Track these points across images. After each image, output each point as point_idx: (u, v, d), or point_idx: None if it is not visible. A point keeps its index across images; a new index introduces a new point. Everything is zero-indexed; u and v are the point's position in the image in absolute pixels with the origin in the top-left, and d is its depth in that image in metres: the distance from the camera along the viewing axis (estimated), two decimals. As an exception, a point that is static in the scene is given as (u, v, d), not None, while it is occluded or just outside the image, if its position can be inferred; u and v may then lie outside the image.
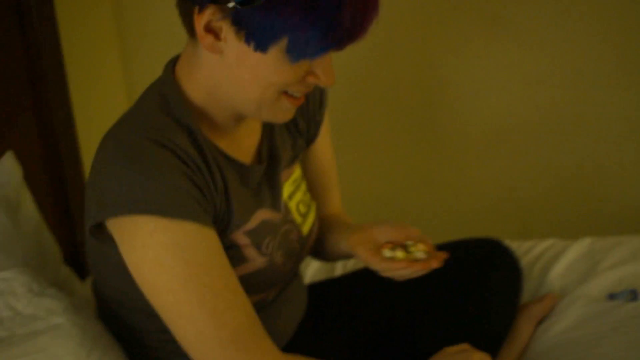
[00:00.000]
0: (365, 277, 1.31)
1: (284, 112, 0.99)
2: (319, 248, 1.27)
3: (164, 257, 0.87)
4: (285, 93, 0.96)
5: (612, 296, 1.34)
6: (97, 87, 1.87)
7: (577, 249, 1.53)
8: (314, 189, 1.25)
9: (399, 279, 1.08)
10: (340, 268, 1.61)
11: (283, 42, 0.87)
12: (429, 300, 1.26)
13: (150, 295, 0.91)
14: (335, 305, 1.31)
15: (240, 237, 1.02)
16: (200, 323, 0.89)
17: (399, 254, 1.06)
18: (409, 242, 1.09)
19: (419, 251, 1.07)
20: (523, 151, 1.98)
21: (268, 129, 1.12)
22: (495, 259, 1.26)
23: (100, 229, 0.95)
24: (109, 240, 0.94)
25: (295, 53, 0.88)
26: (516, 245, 1.59)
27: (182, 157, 0.91)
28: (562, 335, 1.27)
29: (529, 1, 1.81)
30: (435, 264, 1.04)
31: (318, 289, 1.35)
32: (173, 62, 1.02)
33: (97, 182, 0.91)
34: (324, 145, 1.24)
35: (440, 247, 1.27)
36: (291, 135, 1.16)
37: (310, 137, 1.21)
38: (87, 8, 1.81)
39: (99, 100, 1.86)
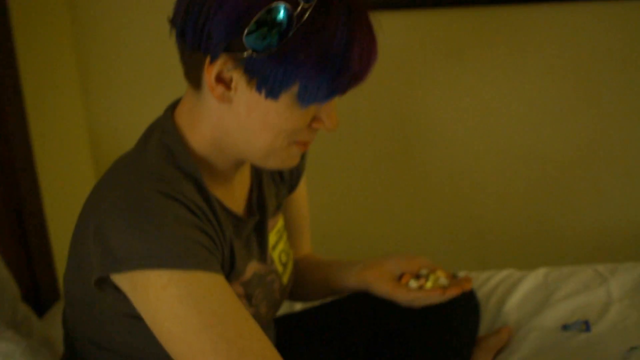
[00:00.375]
0: (327, 312, 1.33)
1: (291, 159, 1.00)
2: (298, 290, 1.29)
3: (178, 309, 0.86)
4: (295, 142, 0.97)
5: (565, 327, 1.37)
6: (57, 119, 1.85)
7: (533, 279, 1.57)
8: (290, 234, 1.28)
9: (417, 306, 1.15)
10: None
11: (294, 89, 0.89)
12: (390, 336, 1.27)
13: (166, 345, 0.90)
14: (298, 341, 1.32)
15: (236, 287, 1.03)
16: None
17: (428, 284, 1.13)
18: (423, 272, 1.16)
19: (441, 277, 1.14)
20: (481, 181, 2.02)
21: (257, 179, 1.14)
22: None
23: (101, 279, 0.93)
24: (112, 290, 0.93)
25: (306, 98, 0.90)
26: (474, 277, 1.62)
27: (192, 208, 0.91)
28: (518, 366, 1.30)
29: (493, 39, 1.85)
30: (467, 285, 1.13)
31: (280, 324, 1.36)
32: (171, 109, 1.03)
33: (104, 234, 0.88)
34: (302, 192, 1.28)
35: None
36: (275, 185, 1.19)
37: (292, 185, 1.24)
38: (47, 42, 1.80)
39: (58, 133, 1.85)
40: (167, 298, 0.86)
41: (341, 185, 2.03)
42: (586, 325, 1.36)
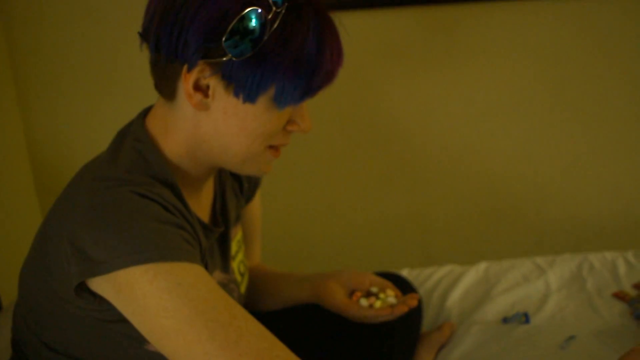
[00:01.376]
0: (277, 317, 1.33)
1: (265, 165, 1.02)
2: (252, 299, 1.31)
3: (168, 301, 0.84)
4: (269, 146, 0.99)
5: (505, 320, 1.40)
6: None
7: (474, 274, 1.60)
8: (244, 243, 1.29)
9: (369, 323, 1.19)
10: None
11: (271, 91, 0.91)
12: (333, 332, 1.28)
13: (159, 344, 0.88)
14: None
15: None
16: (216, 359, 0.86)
17: (377, 302, 1.17)
18: (373, 289, 1.21)
19: (390, 296, 1.19)
20: (425, 178, 2.04)
21: (221, 189, 1.15)
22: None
23: (78, 285, 0.91)
24: (87, 295, 0.91)
25: (283, 100, 0.92)
26: (417, 273, 1.65)
27: (169, 209, 0.91)
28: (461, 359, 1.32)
29: (481, 34, 1.87)
30: (414, 303, 1.17)
31: None
32: (142, 117, 1.02)
33: (81, 241, 0.87)
34: (257, 203, 1.31)
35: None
36: (236, 196, 1.20)
37: (249, 197, 1.26)
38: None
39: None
40: (156, 292, 0.85)
41: (287, 184, 2.03)
42: (526, 317, 1.39)
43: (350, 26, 0.97)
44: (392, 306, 1.17)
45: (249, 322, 0.88)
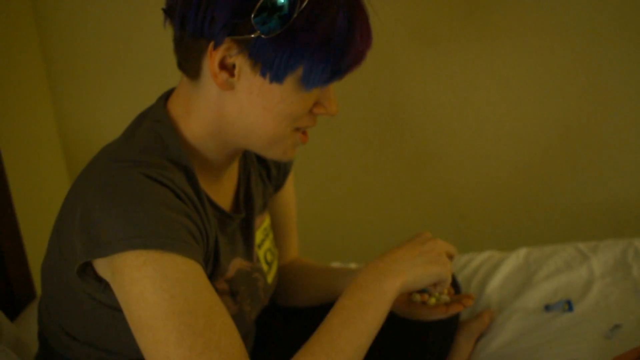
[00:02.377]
0: (313, 314, 1.30)
1: (292, 148, 1.00)
2: (289, 295, 1.29)
3: (150, 292, 0.83)
4: (296, 128, 0.97)
5: (548, 307, 1.36)
6: (25, 118, 1.81)
7: (514, 260, 1.55)
8: (276, 235, 1.26)
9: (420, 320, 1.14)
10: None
11: (298, 72, 0.89)
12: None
13: (134, 334, 0.87)
14: (278, 339, 1.30)
15: (221, 284, 1.01)
16: None
17: (432, 300, 1.12)
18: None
19: (443, 294, 1.13)
20: (459, 163, 2.00)
21: (245, 175, 1.12)
22: None
23: (83, 268, 0.91)
24: (93, 280, 0.91)
25: (311, 81, 0.90)
26: (455, 259, 1.61)
27: (180, 195, 0.90)
28: (501, 349, 1.28)
29: (468, 23, 1.83)
30: (469, 303, 1.11)
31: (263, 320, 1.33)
32: (165, 98, 1.01)
33: (91, 220, 0.86)
34: (289, 192, 1.27)
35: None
36: (263, 183, 1.17)
37: (279, 184, 1.23)
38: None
39: (27, 132, 1.81)
40: (141, 280, 0.83)
41: (321, 168, 2.01)
42: (569, 305, 1.34)
43: (380, 6, 0.94)
44: (446, 304, 1.11)
45: (223, 336, 0.86)
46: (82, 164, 0.98)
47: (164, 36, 0.98)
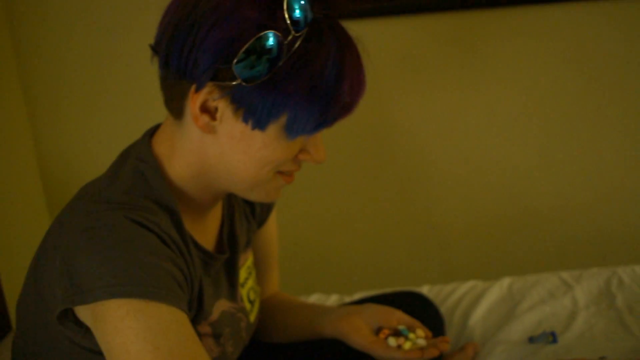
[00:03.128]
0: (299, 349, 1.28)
1: (275, 191, 0.97)
2: (267, 331, 1.26)
3: (132, 343, 0.79)
4: (279, 172, 0.94)
5: (532, 339, 1.33)
6: (3, 145, 1.78)
7: (497, 290, 1.53)
8: (258, 270, 1.23)
9: None
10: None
11: (282, 120, 0.86)
12: (355, 358, 1.22)
13: None
14: None
15: (204, 327, 0.98)
16: None
17: (407, 344, 1.09)
18: (401, 327, 1.13)
19: (420, 338, 1.11)
20: (443, 192, 1.98)
21: (229, 214, 1.10)
22: (418, 312, 1.24)
23: (64, 313, 0.87)
24: (73, 325, 0.88)
25: (294, 130, 0.86)
26: (438, 290, 1.59)
27: (165, 240, 0.87)
28: (486, 382, 1.26)
29: (499, 43, 1.83)
30: (445, 347, 1.09)
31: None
32: (149, 135, 0.98)
33: (72, 265, 0.83)
34: (272, 227, 1.25)
35: (363, 301, 1.27)
36: (247, 220, 1.15)
37: (262, 220, 1.20)
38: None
39: (4, 159, 1.77)
40: (124, 330, 0.80)
41: (302, 196, 1.99)
42: (553, 337, 1.32)
43: (365, 35, 0.92)
44: (421, 348, 1.08)
45: None
46: (62, 197, 0.96)
47: (148, 70, 0.96)
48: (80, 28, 1.80)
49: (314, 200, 2.00)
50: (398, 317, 1.14)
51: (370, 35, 0.92)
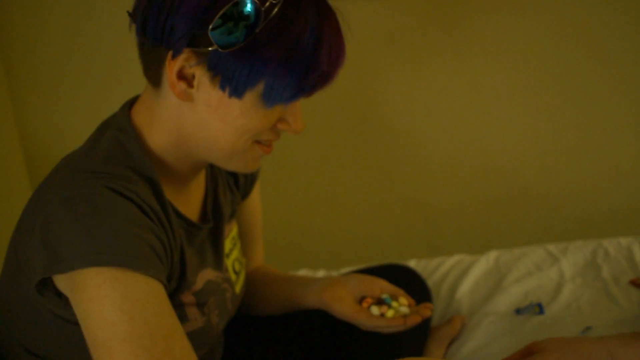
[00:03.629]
0: (283, 322, 1.28)
1: (254, 161, 0.96)
2: (252, 303, 1.25)
3: (109, 311, 0.79)
4: (257, 141, 0.94)
5: (519, 311, 1.34)
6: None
7: (484, 264, 1.54)
8: (242, 243, 1.23)
9: (382, 332, 1.10)
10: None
11: (259, 87, 0.85)
12: (341, 328, 1.23)
13: (91, 351, 0.83)
14: (250, 348, 1.26)
15: (187, 297, 0.98)
16: None
17: (390, 312, 1.09)
18: (384, 296, 1.13)
19: (402, 306, 1.11)
20: (427, 166, 1.98)
21: (213, 184, 1.09)
22: (405, 284, 1.25)
23: (43, 283, 0.87)
24: (52, 295, 0.87)
25: (272, 98, 0.86)
26: (424, 264, 1.59)
27: (144, 209, 0.86)
28: (473, 354, 1.26)
29: (485, 21, 1.82)
30: (427, 313, 1.09)
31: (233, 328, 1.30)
32: (129, 106, 0.97)
33: (50, 234, 0.82)
34: (255, 199, 1.24)
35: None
36: (231, 191, 1.14)
37: (246, 192, 1.20)
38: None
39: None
40: (100, 299, 0.79)
41: (290, 173, 1.99)
42: (540, 308, 1.33)
43: (348, 13, 0.91)
44: (404, 316, 1.09)
45: None
46: (45, 172, 0.94)
47: (128, 41, 0.95)
48: (59, 6, 1.78)
49: (300, 177, 2.00)
50: (381, 286, 1.15)
51: (354, 14, 0.92)
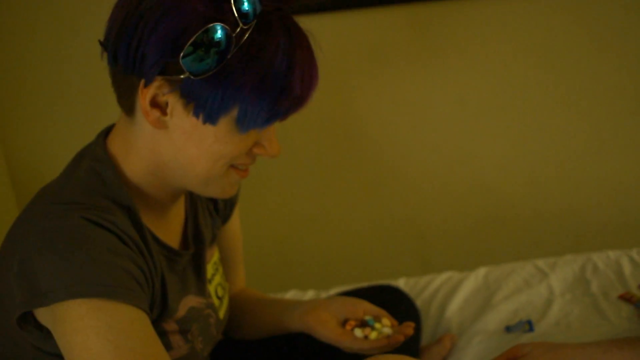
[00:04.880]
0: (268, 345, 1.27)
1: (231, 186, 0.96)
2: (235, 327, 1.25)
3: (93, 341, 0.78)
4: (233, 166, 0.93)
5: (508, 329, 1.33)
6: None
7: (473, 281, 1.53)
8: (224, 267, 1.23)
9: (366, 354, 1.08)
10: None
11: (233, 113, 0.85)
12: (326, 350, 1.22)
13: None
14: None
15: (170, 324, 0.97)
16: None
17: (373, 333, 1.09)
18: (367, 318, 1.12)
19: (385, 327, 1.11)
20: (416, 182, 1.98)
21: (193, 210, 1.09)
22: (393, 306, 1.24)
23: (24, 317, 0.86)
24: (33, 329, 0.86)
25: (246, 123, 0.86)
26: (414, 282, 1.59)
27: (123, 238, 0.86)
28: (464, 373, 1.25)
29: (469, 32, 1.82)
30: (410, 331, 1.08)
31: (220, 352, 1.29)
32: (104, 135, 0.96)
33: (30, 268, 0.81)
34: (235, 223, 1.24)
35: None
36: (210, 216, 1.14)
37: (226, 216, 1.20)
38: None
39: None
40: (84, 329, 0.79)
41: (276, 193, 1.98)
42: (529, 325, 1.33)
43: (332, 28, 0.91)
44: (388, 337, 1.08)
45: None
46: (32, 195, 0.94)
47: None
48: (42, 30, 1.77)
49: (288, 198, 1.99)
50: (364, 308, 1.14)
51: (334, 29, 0.92)
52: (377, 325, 1.11)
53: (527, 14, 1.80)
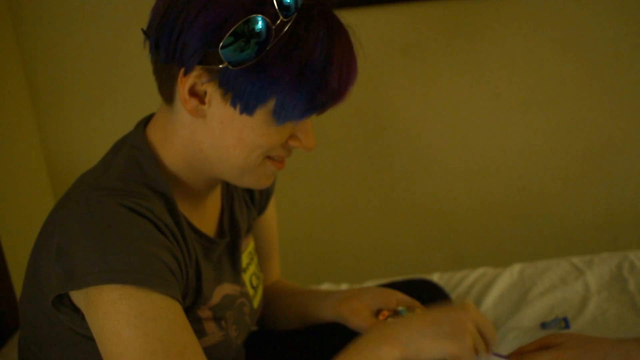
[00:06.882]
0: (303, 336, 1.28)
1: (266, 177, 0.97)
2: (269, 317, 1.26)
3: (123, 327, 0.80)
4: (269, 157, 0.94)
5: (544, 325, 1.33)
6: (9, 139, 1.78)
7: (508, 277, 1.53)
8: (259, 258, 1.24)
9: None
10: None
11: (270, 105, 0.86)
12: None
13: None
14: None
15: (204, 311, 0.98)
16: None
17: None
18: (400, 308, 1.11)
19: None
20: (451, 178, 1.98)
21: (229, 200, 1.10)
22: (429, 300, 1.24)
23: (60, 299, 0.88)
24: (69, 311, 0.88)
25: (282, 115, 0.86)
26: (448, 277, 1.58)
27: (159, 226, 0.87)
28: (498, 369, 1.25)
29: (497, 30, 1.82)
30: None
31: (253, 342, 1.30)
32: (144, 124, 0.98)
33: (67, 251, 0.84)
34: (271, 214, 1.25)
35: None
36: (246, 206, 1.15)
37: (262, 207, 1.21)
38: None
39: (11, 154, 1.78)
40: (115, 315, 0.80)
41: (310, 187, 1.99)
42: (565, 322, 1.32)
43: (368, 23, 0.91)
44: None
45: None
46: (68, 185, 0.96)
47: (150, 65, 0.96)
48: (82, 25, 1.80)
49: (322, 193, 2.00)
50: (398, 299, 1.13)
51: (371, 24, 0.92)
52: (410, 314, 1.10)
53: (563, 9, 1.79)
